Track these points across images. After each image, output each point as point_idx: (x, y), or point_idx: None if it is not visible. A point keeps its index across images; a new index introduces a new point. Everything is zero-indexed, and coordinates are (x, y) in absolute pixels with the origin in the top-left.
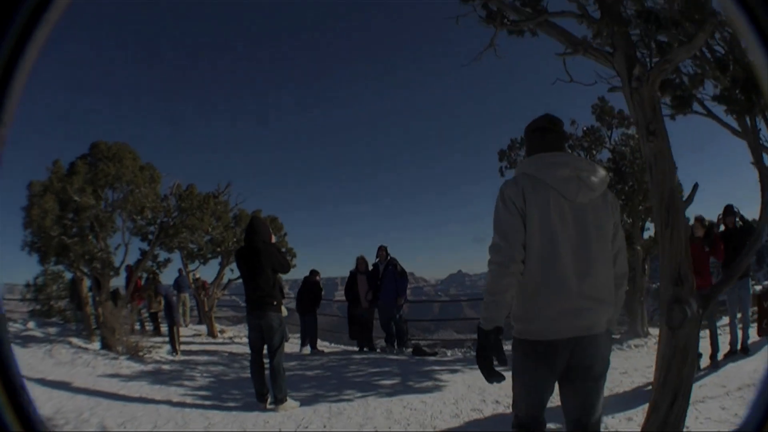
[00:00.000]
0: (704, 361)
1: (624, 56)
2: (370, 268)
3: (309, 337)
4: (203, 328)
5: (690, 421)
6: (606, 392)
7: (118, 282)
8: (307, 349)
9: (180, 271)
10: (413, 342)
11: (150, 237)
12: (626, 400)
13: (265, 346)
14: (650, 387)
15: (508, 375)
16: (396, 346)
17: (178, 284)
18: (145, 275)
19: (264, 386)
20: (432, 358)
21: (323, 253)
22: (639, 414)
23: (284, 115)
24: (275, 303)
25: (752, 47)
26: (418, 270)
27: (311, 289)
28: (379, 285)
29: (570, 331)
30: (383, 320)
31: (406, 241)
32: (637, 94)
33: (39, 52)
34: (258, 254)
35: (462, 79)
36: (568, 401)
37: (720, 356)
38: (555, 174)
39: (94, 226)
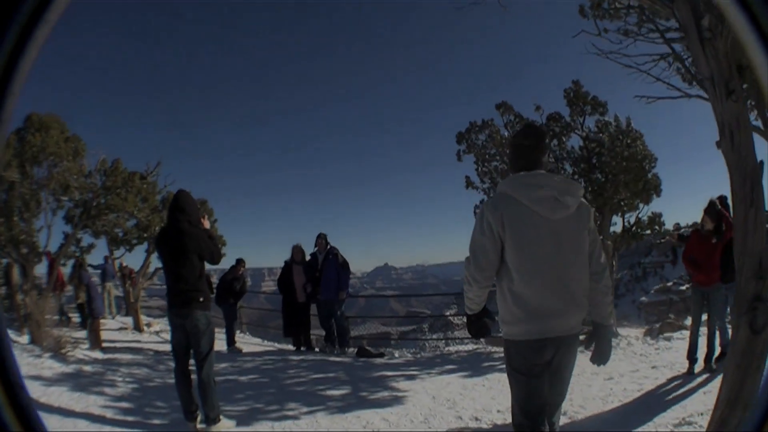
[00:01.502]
0: (698, 365)
1: (688, 3)
2: (308, 257)
3: (227, 332)
4: (130, 320)
5: None
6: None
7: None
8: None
9: (106, 258)
10: (356, 342)
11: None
12: (641, 410)
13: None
14: (650, 392)
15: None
16: (337, 346)
17: (104, 273)
18: (72, 262)
19: (192, 402)
20: (379, 360)
21: (250, 242)
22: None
23: (229, 95)
24: (202, 299)
25: (752, 47)
26: None
27: (233, 280)
28: (318, 277)
29: (554, 331)
30: (323, 316)
31: (331, 232)
32: (710, 45)
33: (39, 52)
34: (182, 237)
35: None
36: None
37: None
38: (532, 195)
39: (20, 205)
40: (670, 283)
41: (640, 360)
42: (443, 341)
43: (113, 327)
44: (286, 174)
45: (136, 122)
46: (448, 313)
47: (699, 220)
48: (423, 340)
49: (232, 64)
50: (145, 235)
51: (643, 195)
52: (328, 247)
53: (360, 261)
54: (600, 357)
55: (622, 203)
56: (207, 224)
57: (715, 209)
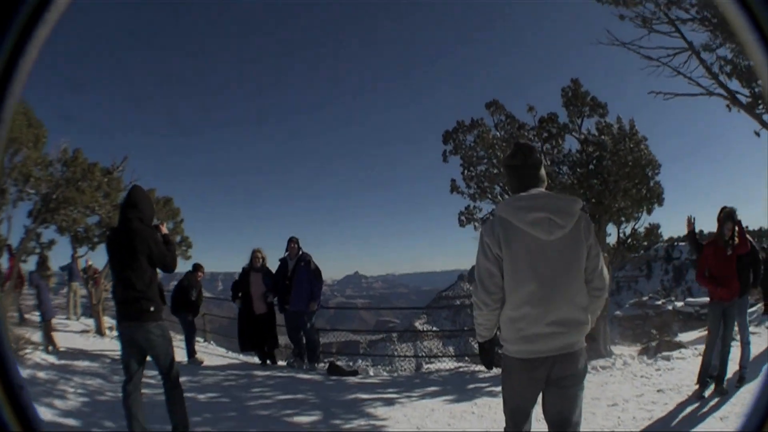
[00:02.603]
0: (709, 388)
1: None
2: (278, 262)
3: (186, 344)
4: (93, 322)
5: None
6: None
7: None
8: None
9: (73, 257)
10: (326, 349)
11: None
12: None
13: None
14: (662, 419)
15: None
16: (306, 361)
17: (70, 272)
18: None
19: (138, 423)
20: (353, 379)
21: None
22: None
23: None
24: (153, 309)
25: (752, 47)
26: None
27: (189, 288)
28: (288, 285)
29: (547, 351)
30: (291, 328)
31: (301, 237)
32: None
33: (39, 52)
34: (132, 238)
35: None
36: (549, 407)
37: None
38: (527, 218)
39: None
40: (645, 298)
41: (642, 383)
42: (417, 358)
43: (76, 329)
44: (260, 176)
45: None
46: (417, 324)
47: (714, 231)
48: (394, 356)
49: (222, 60)
50: (107, 232)
51: (645, 204)
52: (300, 252)
53: (330, 268)
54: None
55: (622, 212)
56: (165, 230)
57: (735, 218)
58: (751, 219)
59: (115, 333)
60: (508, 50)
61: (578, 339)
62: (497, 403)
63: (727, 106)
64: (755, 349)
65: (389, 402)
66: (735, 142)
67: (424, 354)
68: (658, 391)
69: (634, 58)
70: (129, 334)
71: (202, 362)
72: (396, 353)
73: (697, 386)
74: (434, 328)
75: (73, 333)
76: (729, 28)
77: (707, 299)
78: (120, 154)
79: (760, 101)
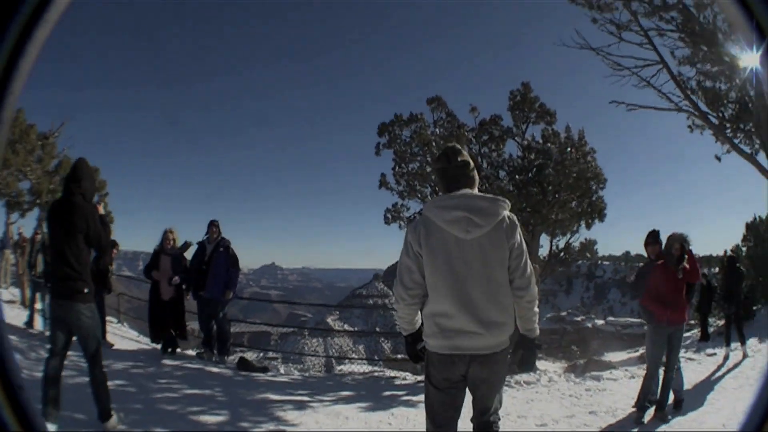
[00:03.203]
0: (648, 414)
1: None
2: (195, 245)
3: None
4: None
5: None
6: None
7: None
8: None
9: (6, 223)
10: (237, 339)
11: None
12: None
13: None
14: None
15: None
16: (216, 353)
17: (3, 239)
18: None
19: (53, 402)
20: (263, 376)
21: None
22: None
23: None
24: (87, 290)
25: (752, 47)
26: None
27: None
28: (205, 270)
29: (463, 349)
30: (204, 317)
31: (225, 222)
32: None
33: (39, 52)
34: (73, 213)
35: None
36: (473, 402)
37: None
38: (446, 216)
39: None
40: (564, 313)
41: (572, 402)
42: (330, 358)
43: (4, 298)
44: (194, 157)
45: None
46: (329, 320)
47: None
48: (307, 354)
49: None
50: (38, 200)
51: (585, 218)
52: (220, 238)
53: (247, 257)
54: (526, 365)
55: (558, 225)
56: (101, 210)
57: (685, 242)
58: (699, 246)
59: (39, 306)
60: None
61: (498, 341)
62: (416, 414)
63: (689, 126)
64: (695, 376)
65: (300, 405)
66: (691, 164)
67: (335, 353)
68: (590, 412)
69: (599, 65)
70: (59, 312)
71: (112, 345)
72: (306, 348)
73: (634, 410)
74: (346, 326)
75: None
76: (710, 43)
77: (630, 320)
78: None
79: (727, 124)
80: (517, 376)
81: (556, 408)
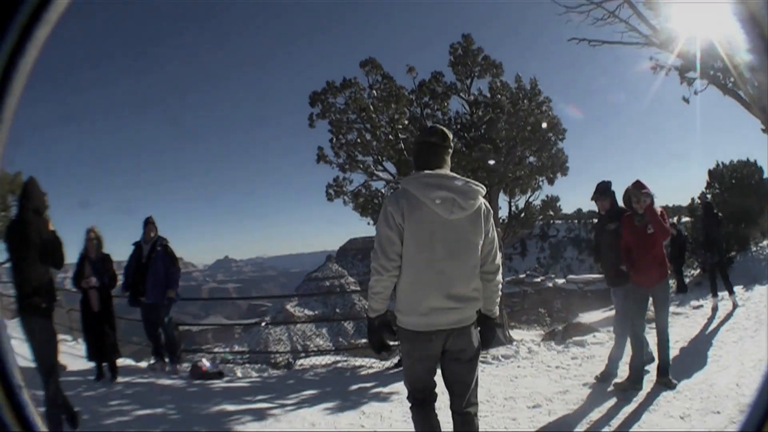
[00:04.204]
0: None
1: None
2: (132, 247)
3: None
4: None
5: None
6: None
7: None
8: None
9: None
10: (200, 338)
11: None
12: None
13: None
14: (599, 421)
15: None
16: (168, 363)
17: None
18: None
19: (69, 407)
20: (219, 383)
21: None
22: None
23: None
24: (43, 305)
25: (752, 47)
26: (186, 255)
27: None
28: (145, 273)
29: (440, 325)
30: (149, 324)
31: (167, 223)
32: None
33: (39, 52)
34: (25, 229)
35: None
36: (447, 378)
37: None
38: (431, 195)
39: None
40: (522, 275)
41: (560, 375)
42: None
43: None
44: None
45: None
46: (289, 307)
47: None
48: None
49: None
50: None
51: (547, 173)
52: (157, 236)
53: (200, 254)
54: (486, 343)
55: (517, 182)
56: (51, 226)
57: (640, 194)
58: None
59: None
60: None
61: (471, 314)
62: (389, 410)
63: (652, 68)
64: (685, 331)
65: (260, 414)
66: (657, 108)
67: (299, 339)
68: (584, 385)
69: (547, 5)
70: (26, 327)
71: (65, 368)
72: (270, 338)
73: (620, 381)
74: (306, 311)
75: None
76: None
77: (591, 276)
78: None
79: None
80: (494, 351)
81: (544, 384)
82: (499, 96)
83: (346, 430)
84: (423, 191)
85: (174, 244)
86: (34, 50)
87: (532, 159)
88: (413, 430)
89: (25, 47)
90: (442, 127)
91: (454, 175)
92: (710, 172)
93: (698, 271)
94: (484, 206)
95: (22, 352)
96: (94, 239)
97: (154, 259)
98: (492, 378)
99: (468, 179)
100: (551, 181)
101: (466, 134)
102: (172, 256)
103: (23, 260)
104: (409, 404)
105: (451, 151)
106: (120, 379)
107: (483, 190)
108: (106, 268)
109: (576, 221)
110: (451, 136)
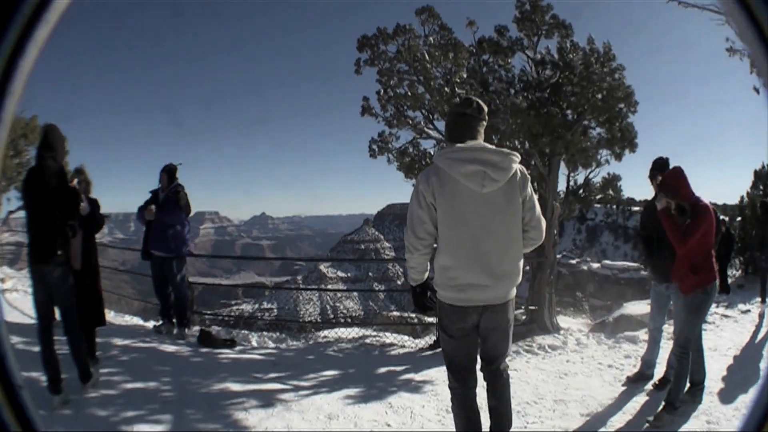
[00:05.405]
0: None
1: None
2: (149, 195)
3: None
4: None
5: None
6: None
7: None
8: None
9: None
10: (199, 325)
11: None
12: None
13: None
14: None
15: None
16: (176, 326)
17: None
18: None
19: (57, 370)
20: (229, 353)
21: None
22: None
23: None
24: (60, 252)
25: (752, 46)
26: (222, 210)
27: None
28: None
29: (476, 301)
30: (157, 281)
31: (206, 176)
32: None
33: (39, 52)
34: (44, 178)
35: None
36: (482, 351)
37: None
38: (462, 170)
39: None
40: (559, 255)
41: (614, 377)
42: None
43: None
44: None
45: None
46: (322, 267)
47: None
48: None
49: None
50: (25, 173)
51: (615, 147)
52: (175, 184)
53: (236, 209)
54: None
55: (581, 155)
56: (75, 183)
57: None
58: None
59: (5, 285)
60: None
61: (508, 291)
62: (422, 404)
63: (728, 49)
64: (737, 337)
65: (268, 399)
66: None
67: (329, 300)
68: (641, 392)
69: None
70: (39, 276)
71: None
72: (301, 298)
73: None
74: (339, 273)
75: None
76: None
77: (626, 263)
78: None
79: None
80: (540, 339)
81: (597, 386)
82: (571, 56)
83: (368, 431)
84: (453, 166)
85: (209, 198)
86: (34, 50)
87: (599, 130)
88: (448, 431)
89: (25, 47)
90: (475, 98)
91: (487, 146)
92: (756, 173)
93: (740, 272)
94: (519, 173)
95: (22, 307)
96: (83, 181)
97: (164, 207)
98: (539, 373)
99: (500, 149)
100: (618, 157)
101: (530, 95)
102: (185, 205)
103: (42, 209)
104: (449, 387)
105: (485, 123)
106: (119, 342)
107: (517, 157)
108: (93, 216)
109: (615, 206)
110: (486, 108)
